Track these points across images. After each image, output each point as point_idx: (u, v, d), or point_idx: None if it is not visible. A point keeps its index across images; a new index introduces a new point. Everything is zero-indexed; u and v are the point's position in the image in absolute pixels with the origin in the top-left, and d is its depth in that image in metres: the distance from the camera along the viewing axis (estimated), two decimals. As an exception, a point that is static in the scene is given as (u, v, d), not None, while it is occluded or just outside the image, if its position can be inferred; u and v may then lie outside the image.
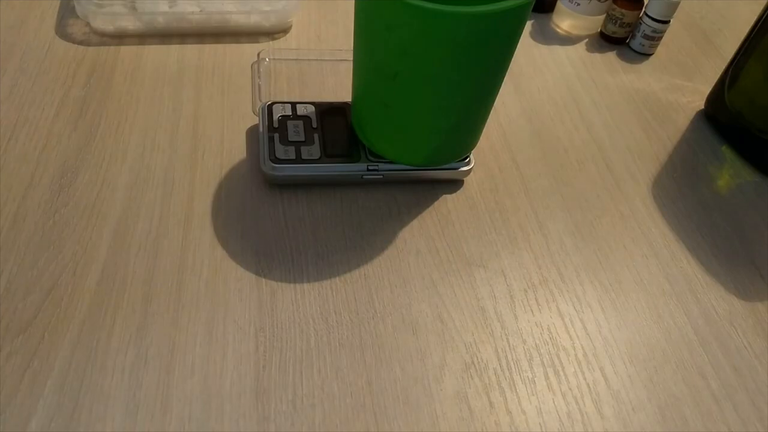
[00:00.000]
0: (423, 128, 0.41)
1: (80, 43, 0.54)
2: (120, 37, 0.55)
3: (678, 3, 0.59)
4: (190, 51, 0.55)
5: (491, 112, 0.44)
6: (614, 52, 0.63)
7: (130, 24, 0.54)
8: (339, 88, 0.53)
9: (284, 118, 0.46)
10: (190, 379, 0.35)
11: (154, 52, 0.54)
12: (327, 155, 0.44)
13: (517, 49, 0.39)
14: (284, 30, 0.58)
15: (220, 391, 0.34)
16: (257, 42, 0.57)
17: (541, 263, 0.43)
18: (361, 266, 0.41)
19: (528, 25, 0.65)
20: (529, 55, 0.61)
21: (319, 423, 0.34)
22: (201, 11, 0.55)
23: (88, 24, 0.55)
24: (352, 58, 0.42)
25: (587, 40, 0.64)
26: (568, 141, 0.53)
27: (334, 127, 0.46)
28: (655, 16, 0.60)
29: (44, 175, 0.43)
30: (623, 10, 0.61)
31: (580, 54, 0.62)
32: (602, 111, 0.56)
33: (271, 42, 0.57)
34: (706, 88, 0.58)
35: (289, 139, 0.45)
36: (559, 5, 0.64)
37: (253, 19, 0.56)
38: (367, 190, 0.46)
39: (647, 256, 0.45)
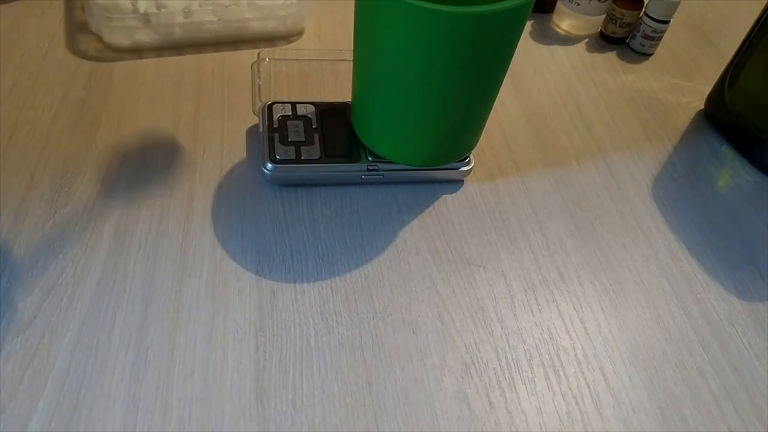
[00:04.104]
0: (423, 128, 0.41)
1: (83, 51, 0.54)
2: (137, 51, 0.53)
3: (678, 3, 0.59)
4: (191, 53, 0.54)
5: (491, 112, 0.44)
6: (614, 52, 0.63)
7: (146, 37, 0.53)
8: (339, 88, 0.53)
9: (284, 118, 0.46)
10: (190, 379, 0.35)
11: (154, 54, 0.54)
12: (327, 155, 0.44)
13: (517, 49, 0.39)
14: (299, 33, 0.58)
15: (220, 391, 0.34)
16: (275, 47, 0.57)
17: (541, 263, 0.43)
18: (361, 266, 0.41)
19: (528, 25, 0.65)
20: (529, 55, 0.61)
21: (319, 423, 0.34)
22: (219, 20, 0.53)
23: (101, 39, 0.53)
24: (352, 58, 0.42)
25: (587, 40, 0.64)
26: (568, 141, 0.53)
27: (334, 127, 0.46)
28: (655, 16, 0.60)
29: (44, 175, 0.43)
30: (623, 10, 0.61)
31: (580, 54, 0.62)
32: (602, 111, 0.56)
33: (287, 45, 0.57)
34: (706, 88, 0.58)
35: (289, 139, 0.45)
36: (559, 5, 0.64)
37: (271, 25, 0.56)
38: (367, 190, 0.46)
39: (647, 256, 0.45)
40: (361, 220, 0.44)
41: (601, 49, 0.63)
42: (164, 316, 0.37)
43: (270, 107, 0.47)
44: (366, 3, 0.36)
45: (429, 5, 0.33)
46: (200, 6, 0.53)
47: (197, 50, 0.55)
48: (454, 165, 0.46)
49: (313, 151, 0.44)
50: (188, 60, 0.54)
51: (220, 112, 0.50)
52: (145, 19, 0.52)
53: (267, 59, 0.54)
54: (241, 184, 0.45)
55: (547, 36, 0.64)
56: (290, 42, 0.57)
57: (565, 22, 0.64)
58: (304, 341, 0.37)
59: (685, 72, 0.62)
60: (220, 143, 0.47)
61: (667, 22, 0.60)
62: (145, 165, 0.45)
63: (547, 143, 0.52)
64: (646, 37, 0.61)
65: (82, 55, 0.53)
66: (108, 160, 0.45)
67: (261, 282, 0.39)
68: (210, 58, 0.54)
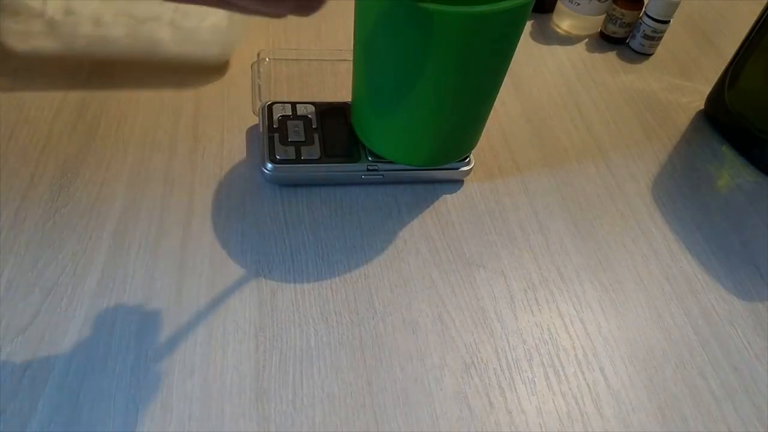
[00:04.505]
0: (423, 128, 0.41)
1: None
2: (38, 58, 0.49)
3: (678, 3, 0.59)
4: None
5: (491, 112, 0.44)
6: (614, 52, 0.63)
7: (47, 44, 0.48)
8: (339, 88, 0.53)
9: (284, 118, 0.46)
10: (190, 379, 0.35)
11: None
12: (327, 155, 0.44)
13: (517, 49, 0.39)
14: (220, 69, 0.53)
15: (220, 391, 0.34)
16: (188, 76, 0.52)
17: (541, 263, 0.43)
18: (361, 266, 0.41)
19: (528, 25, 0.65)
20: (529, 55, 0.61)
21: (319, 423, 0.34)
22: (127, 36, 0.48)
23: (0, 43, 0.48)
24: (352, 58, 0.42)
25: (587, 40, 0.64)
26: (568, 141, 0.53)
27: (334, 127, 0.46)
28: (655, 16, 0.60)
29: (44, 175, 0.43)
30: (623, 10, 0.61)
31: (580, 54, 0.62)
32: (602, 111, 0.56)
33: (219, 78, 0.52)
34: (706, 88, 0.58)
35: (289, 139, 0.45)
36: (559, 5, 0.64)
37: (188, 50, 0.50)
38: (367, 190, 0.46)
39: (647, 256, 0.45)
40: (361, 220, 0.44)
41: (601, 49, 0.63)
42: (164, 316, 0.37)
43: (270, 107, 0.47)
44: (366, 3, 0.36)
45: (429, 5, 0.33)
46: (114, 18, 0.48)
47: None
48: (454, 165, 0.46)
49: (313, 151, 0.44)
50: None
51: (220, 112, 0.50)
52: (50, 24, 0.47)
53: (267, 59, 0.54)
54: (241, 184, 0.45)
55: (547, 36, 0.64)
56: (210, 83, 0.52)
57: (565, 22, 0.64)
58: (304, 341, 0.37)
59: (685, 72, 0.62)
60: (220, 143, 0.47)
61: (667, 22, 0.60)
62: (145, 165, 0.45)
63: (547, 143, 0.52)
64: (646, 37, 0.61)
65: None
66: (108, 161, 0.45)
67: (261, 282, 0.39)
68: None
